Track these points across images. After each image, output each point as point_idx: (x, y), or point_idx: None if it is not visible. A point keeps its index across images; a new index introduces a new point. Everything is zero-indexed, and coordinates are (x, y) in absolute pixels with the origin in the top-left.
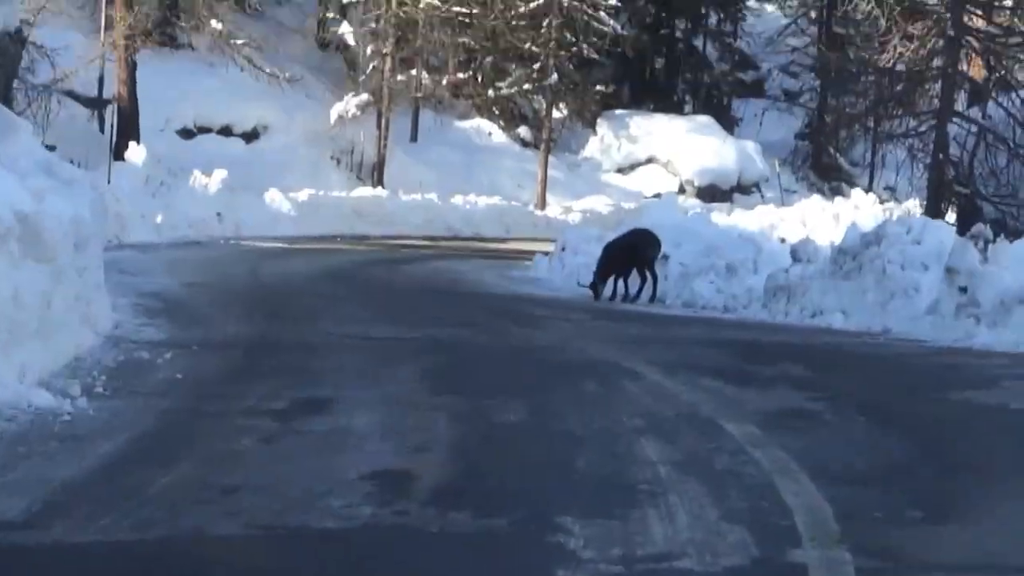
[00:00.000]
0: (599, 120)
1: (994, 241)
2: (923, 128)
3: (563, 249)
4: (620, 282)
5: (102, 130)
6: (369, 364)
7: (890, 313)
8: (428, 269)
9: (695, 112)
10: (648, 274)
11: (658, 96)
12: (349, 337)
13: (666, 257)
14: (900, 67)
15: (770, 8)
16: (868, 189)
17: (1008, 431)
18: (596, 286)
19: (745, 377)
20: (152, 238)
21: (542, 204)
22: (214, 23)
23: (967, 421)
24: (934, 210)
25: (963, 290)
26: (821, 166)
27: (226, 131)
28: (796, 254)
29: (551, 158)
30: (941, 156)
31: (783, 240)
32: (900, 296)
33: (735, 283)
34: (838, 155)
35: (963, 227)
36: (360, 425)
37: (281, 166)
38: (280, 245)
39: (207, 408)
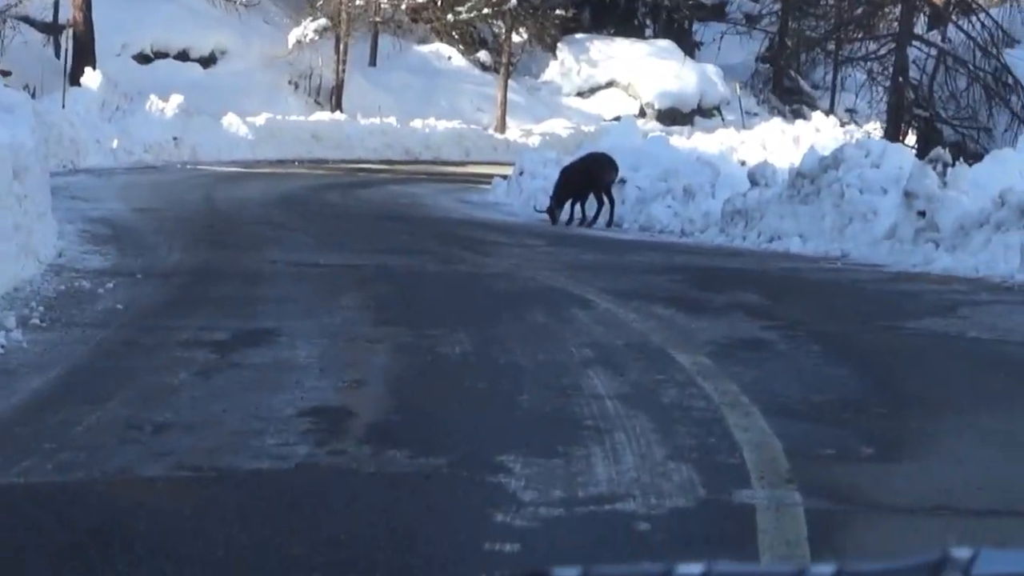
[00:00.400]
0: (559, 44)
1: (953, 165)
2: (883, 51)
3: (521, 173)
4: (577, 207)
5: (58, 56)
6: (314, 294)
7: (848, 238)
8: (384, 193)
9: (656, 36)
10: (605, 198)
11: (618, 20)
12: (297, 265)
13: (623, 181)
14: None
15: None
16: (829, 112)
17: (964, 361)
18: (552, 211)
19: (698, 305)
20: (108, 163)
21: (502, 128)
22: None
23: (923, 351)
24: (893, 133)
25: (922, 214)
26: (782, 89)
27: (183, 56)
28: (753, 178)
29: (511, 82)
30: (900, 79)
31: (743, 163)
32: (858, 220)
33: (692, 207)
34: (799, 78)
35: (923, 151)
36: (300, 358)
37: (239, 91)
38: (237, 170)
39: (145, 340)
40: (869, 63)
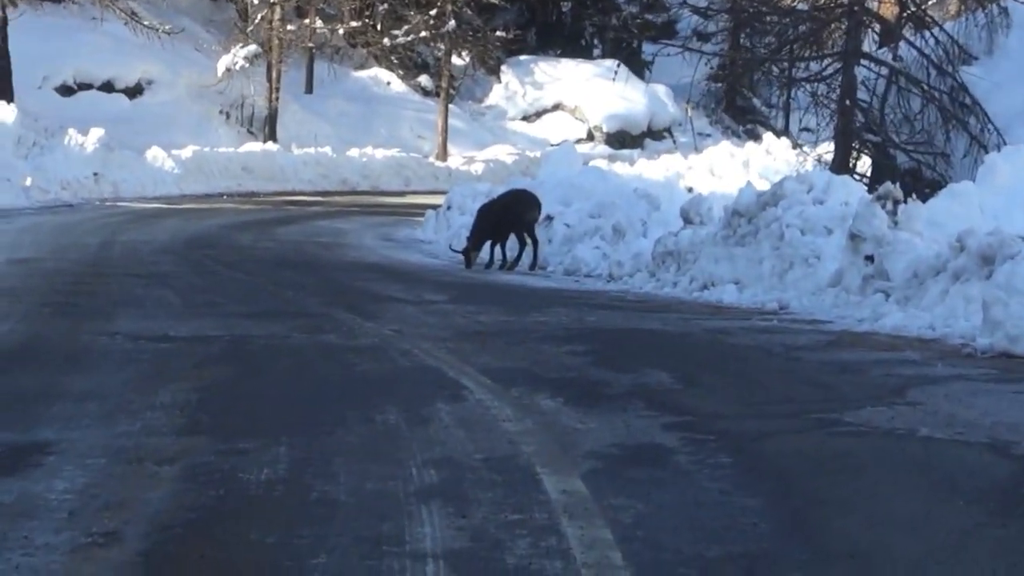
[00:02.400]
0: (503, 67)
1: (906, 201)
2: (829, 71)
3: (448, 208)
4: (497, 248)
5: None
6: (132, 385)
7: (789, 284)
8: (306, 231)
9: (604, 56)
10: (528, 238)
11: (565, 41)
12: (138, 339)
13: (550, 218)
14: (804, 6)
15: None
16: (783, 132)
17: (913, 479)
18: (468, 252)
19: (594, 391)
20: (19, 202)
21: (443, 155)
22: None
23: (862, 465)
24: (842, 161)
25: (870, 259)
26: (735, 108)
27: (108, 87)
28: (687, 215)
29: (453, 107)
30: (847, 101)
31: (690, 189)
32: (800, 265)
33: (622, 248)
34: (752, 97)
35: (875, 180)
36: (54, 493)
37: (167, 122)
38: (159, 206)
39: None
40: (815, 85)
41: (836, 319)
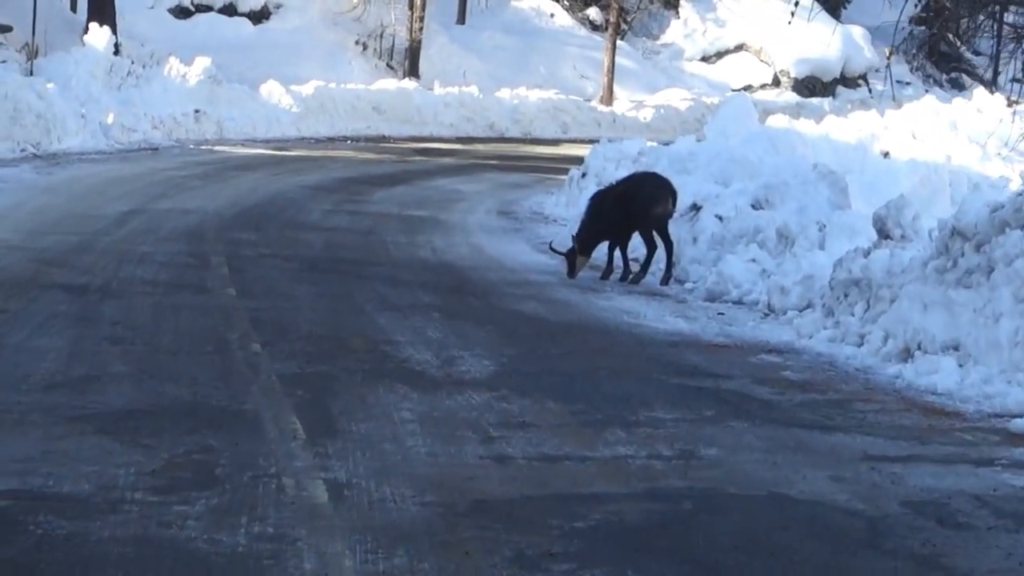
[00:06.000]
0: (683, 1)
1: None
2: None
3: (583, 175)
4: (617, 251)
5: (74, 8)
6: None
7: None
8: (410, 196)
9: None
10: (659, 239)
11: None
12: None
13: (696, 208)
14: None
15: None
16: (992, 84)
17: None
18: (573, 256)
19: None
20: (96, 144)
21: (608, 98)
22: None
23: None
24: None
25: None
26: (939, 55)
27: (230, 10)
28: (883, 226)
29: (624, 44)
30: None
31: (886, 154)
32: None
33: (789, 263)
34: (959, 43)
35: None
36: None
37: (294, 52)
38: (263, 152)
39: None
40: None
41: None
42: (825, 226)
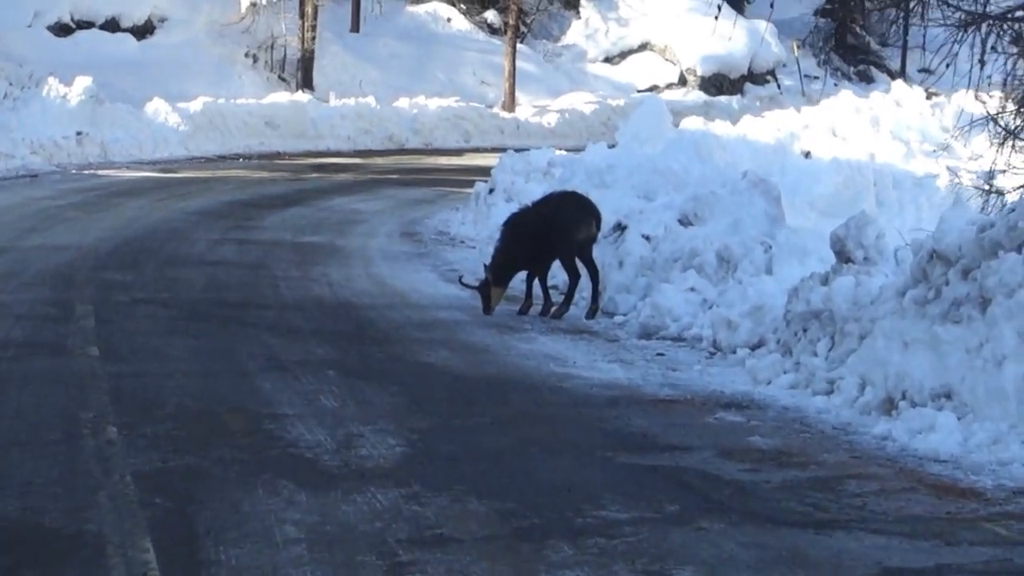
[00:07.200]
0: (583, 1)
1: None
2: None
3: (491, 191)
4: (535, 281)
5: None
6: None
7: None
8: (304, 218)
9: None
10: (582, 266)
11: None
12: None
13: (622, 228)
14: None
15: None
16: (900, 74)
17: None
18: (488, 288)
19: None
20: None
21: (511, 105)
22: None
23: None
24: None
25: None
26: (846, 47)
27: (112, 25)
28: (842, 248)
29: (524, 48)
30: None
31: (807, 154)
32: None
33: (733, 290)
34: (866, 34)
35: None
36: None
37: (181, 68)
38: (149, 175)
39: None
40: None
41: None
42: (771, 247)
